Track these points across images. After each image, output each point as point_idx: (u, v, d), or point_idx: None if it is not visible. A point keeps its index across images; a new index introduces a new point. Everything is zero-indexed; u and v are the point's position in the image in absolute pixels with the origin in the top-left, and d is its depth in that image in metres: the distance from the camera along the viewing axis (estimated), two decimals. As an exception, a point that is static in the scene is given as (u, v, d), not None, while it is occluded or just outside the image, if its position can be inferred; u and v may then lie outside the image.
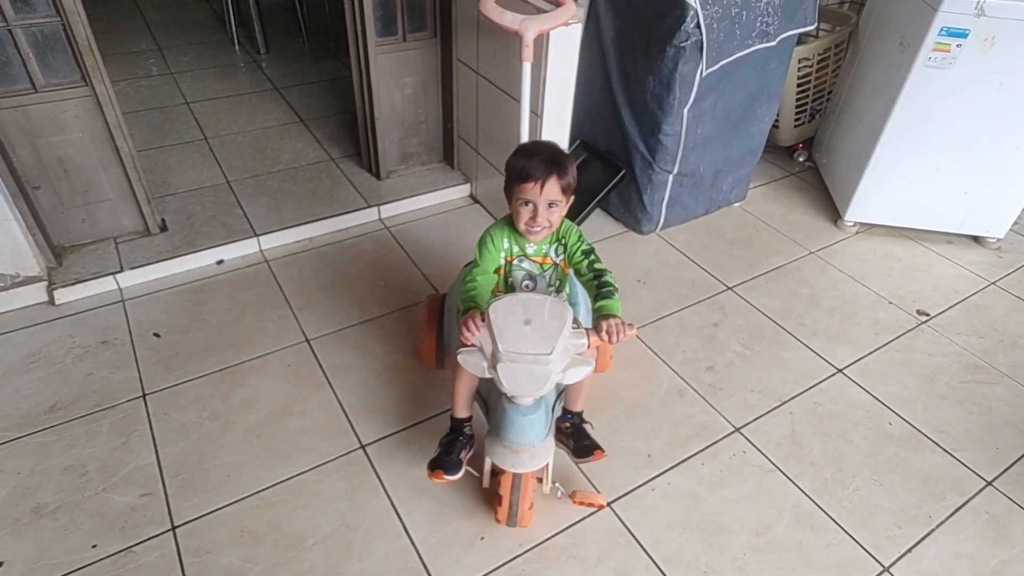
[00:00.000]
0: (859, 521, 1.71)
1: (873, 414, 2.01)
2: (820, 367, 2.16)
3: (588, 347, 1.35)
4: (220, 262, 2.46)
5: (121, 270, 2.30)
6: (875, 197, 2.69)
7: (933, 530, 1.71)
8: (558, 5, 1.90)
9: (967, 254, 2.74)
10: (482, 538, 1.63)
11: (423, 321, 2.00)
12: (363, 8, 2.42)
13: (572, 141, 2.48)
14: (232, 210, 2.64)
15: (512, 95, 2.33)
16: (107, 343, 2.10)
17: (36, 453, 1.77)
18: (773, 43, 2.41)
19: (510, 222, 1.55)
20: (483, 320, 1.34)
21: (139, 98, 3.46)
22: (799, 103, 3.10)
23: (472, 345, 1.35)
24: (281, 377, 2.02)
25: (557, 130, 2.31)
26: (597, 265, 1.51)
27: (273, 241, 2.54)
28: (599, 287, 1.46)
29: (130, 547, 1.57)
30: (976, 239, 2.80)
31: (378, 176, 2.86)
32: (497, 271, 1.58)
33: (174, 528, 1.62)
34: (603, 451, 1.63)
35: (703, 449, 1.87)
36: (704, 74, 2.30)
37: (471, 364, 1.36)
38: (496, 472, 1.58)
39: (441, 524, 1.66)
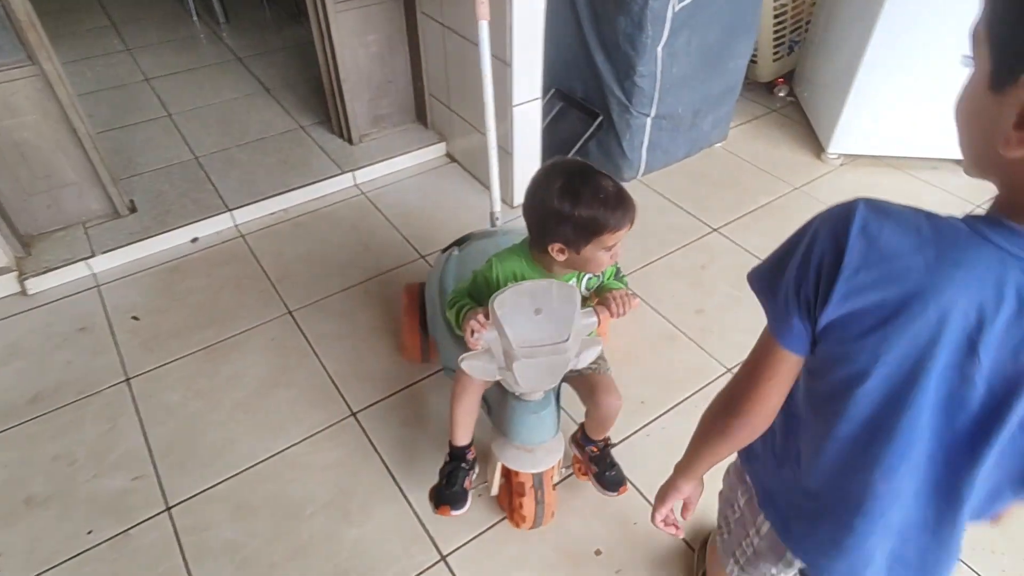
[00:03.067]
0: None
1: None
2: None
3: (599, 325, 1.26)
4: (195, 240, 2.40)
5: (92, 255, 2.23)
6: (857, 127, 2.64)
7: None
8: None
9: (952, 179, 2.70)
10: (480, 495, 1.63)
11: (403, 312, 1.88)
12: (318, -37, 2.32)
13: (546, 90, 2.41)
14: (203, 186, 2.57)
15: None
16: (85, 330, 2.05)
17: (22, 445, 1.74)
18: (746, -28, 2.32)
19: (525, 254, 1.33)
20: (487, 318, 1.19)
21: (96, 77, 3.33)
22: (777, 36, 3.02)
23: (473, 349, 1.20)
24: (266, 351, 1.99)
25: (528, 80, 2.24)
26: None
27: (247, 215, 2.48)
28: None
29: (126, 530, 1.56)
30: (960, 162, 2.76)
31: (350, 141, 2.78)
32: None
33: (169, 508, 1.61)
34: (626, 487, 1.53)
35: (696, 392, 1.87)
36: (676, 8, 2.22)
37: (479, 369, 1.22)
38: (508, 476, 1.46)
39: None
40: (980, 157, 0.62)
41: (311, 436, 1.76)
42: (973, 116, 0.60)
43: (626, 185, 2.60)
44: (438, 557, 1.52)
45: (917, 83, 2.48)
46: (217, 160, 2.71)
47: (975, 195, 2.61)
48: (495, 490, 1.54)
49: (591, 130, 2.57)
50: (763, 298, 0.72)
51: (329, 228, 2.45)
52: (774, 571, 0.96)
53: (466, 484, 1.46)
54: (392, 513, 1.60)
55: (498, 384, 1.37)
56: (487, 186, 2.60)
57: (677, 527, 1.02)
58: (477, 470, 1.50)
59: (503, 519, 1.58)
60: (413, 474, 1.67)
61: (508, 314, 1.16)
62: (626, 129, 2.52)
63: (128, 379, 1.91)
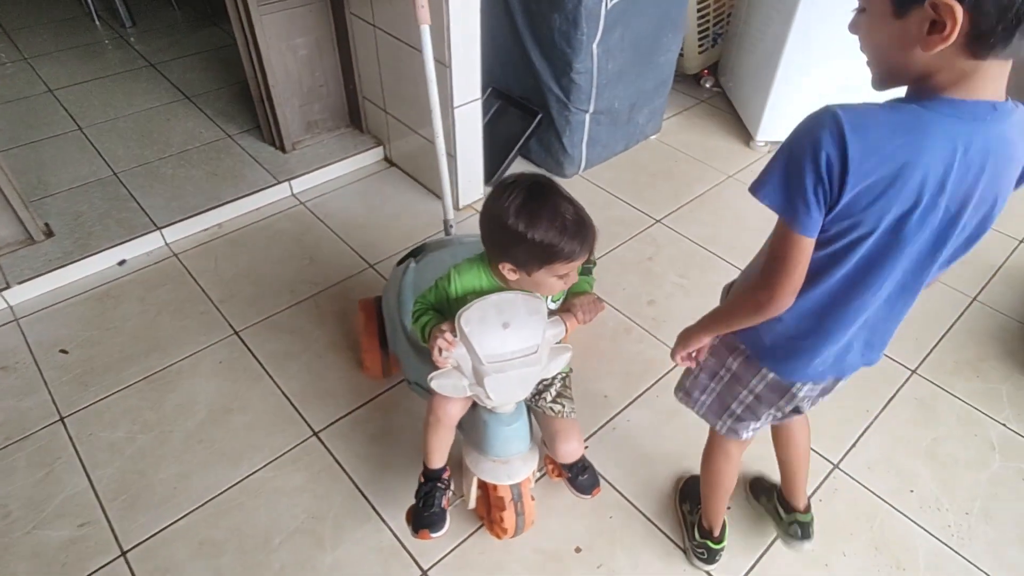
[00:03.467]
0: (806, 425, 1.81)
1: (806, 323, 2.11)
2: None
3: (567, 332, 1.24)
4: (122, 262, 2.25)
5: (7, 286, 2.06)
6: (783, 114, 2.76)
7: (872, 423, 1.83)
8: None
9: (869, 160, 2.87)
10: (455, 504, 1.61)
11: (361, 329, 1.81)
12: (238, -35, 2.21)
13: (482, 90, 2.39)
14: (126, 204, 2.41)
15: (415, 47, 2.20)
16: (7, 369, 1.89)
17: (-54, 501, 1.59)
18: (673, -32, 2.38)
19: (485, 267, 1.25)
20: (454, 334, 1.16)
21: (-9, 91, 3.07)
22: (701, 29, 3.12)
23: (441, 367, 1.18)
24: (215, 375, 1.89)
25: (468, 81, 2.22)
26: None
27: (178, 232, 2.34)
28: None
29: (78, 582, 1.46)
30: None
31: (283, 149, 2.68)
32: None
33: (124, 553, 1.51)
34: (599, 488, 1.53)
35: (656, 382, 1.91)
36: (608, 6, 2.25)
37: (448, 387, 1.20)
38: (486, 488, 1.45)
39: (411, 498, 1.61)
40: (894, 67, 0.82)
41: (273, 461, 1.69)
42: (883, 42, 0.82)
43: (567, 181, 2.66)
44: (419, 572, 1.49)
45: (837, 69, 2.61)
46: (139, 175, 2.55)
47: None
48: (472, 503, 1.52)
49: (532, 128, 2.57)
50: (782, 207, 0.86)
51: (269, 242, 2.36)
52: (773, 410, 1.18)
53: (443, 503, 1.41)
54: (367, 532, 1.56)
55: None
56: (431, 190, 2.59)
57: (695, 362, 1.22)
58: (452, 488, 1.46)
59: (480, 527, 1.57)
60: (385, 490, 1.64)
61: (475, 330, 1.14)
62: (566, 126, 2.54)
63: (62, 418, 1.78)
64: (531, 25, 2.41)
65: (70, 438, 1.73)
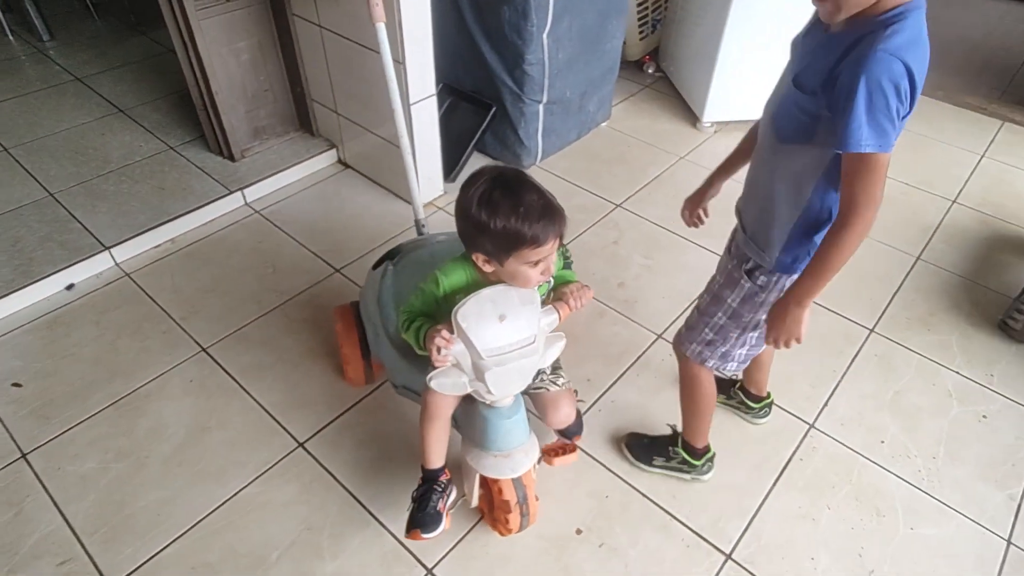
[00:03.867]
0: (781, 391, 1.88)
1: (769, 293, 2.20)
2: (715, 262, 2.31)
3: (560, 321, 1.26)
4: (70, 287, 2.13)
5: (-54, 321, 1.92)
6: (726, 95, 2.85)
7: (840, 382, 1.93)
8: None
9: (808, 135, 3.01)
10: (454, 508, 1.60)
11: (340, 337, 1.75)
12: (173, -32, 2.12)
13: (435, 85, 2.37)
14: (67, 225, 2.28)
15: (366, 45, 2.18)
16: (-44, 408, 1.77)
17: (-96, 555, 1.48)
18: (614, -43, 2.42)
19: (469, 264, 1.25)
20: (451, 332, 1.16)
21: (-101, 115, 2.84)
22: (640, 16, 3.18)
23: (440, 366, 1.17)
24: (186, 395, 1.82)
25: (422, 77, 2.20)
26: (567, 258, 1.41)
27: (129, 251, 2.24)
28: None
29: (64, 623, 1.38)
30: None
31: (231, 158, 2.59)
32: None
33: (111, 587, 1.44)
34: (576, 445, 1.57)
35: (634, 361, 1.95)
36: (557, -4, 2.28)
37: (448, 385, 1.21)
38: (489, 488, 1.44)
39: (408, 499, 1.59)
40: None
41: (260, 476, 1.64)
42: None
43: (526, 172, 2.67)
44: (424, 572, 1.48)
45: (776, 47, 2.71)
46: (78, 194, 2.42)
47: (829, 147, 2.92)
48: (475, 502, 1.50)
49: (487, 121, 2.57)
50: (879, 144, 0.96)
51: (227, 253, 2.28)
52: (745, 335, 1.36)
53: (440, 507, 1.38)
54: (366, 538, 1.54)
55: (465, 397, 1.35)
56: (391, 190, 2.56)
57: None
58: (454, 493, 1.44)
59: (480, 520, 1.57)
60: (380, 494, 1.62)
61: (473, 325, 1.15)
62: (520, 117, 2.56)
63: (24, 455, 1.67)
64: (480, 19, 2.41)
65: (36, 475, 1.63)
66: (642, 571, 1.50)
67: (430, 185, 2.50)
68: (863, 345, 2.04)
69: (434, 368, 1.19)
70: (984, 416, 1.85)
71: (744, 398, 1.77)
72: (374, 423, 1.77)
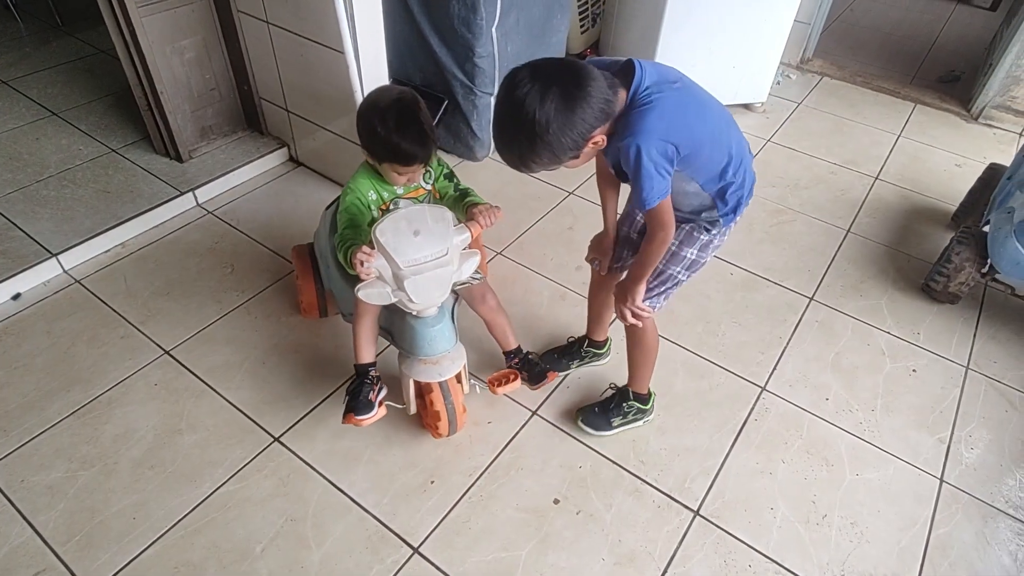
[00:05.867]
0: (733, 358, 2.01)
1: (718, 270, 2.33)
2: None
3: (473, 237, 1.42)
4: (16, 296, 2.06)
5: None
6: (666, 85, 2.97)
7: (785, 348, 2.07)
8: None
9: (742, 120, 3.17)
10: (432, 481, 1.65)
11: (297, 273, 1.91)
12: (110, -35, 2.06)
13: (388, 79, 2.39)
14: (7, 234, 2.19)
15: (316, 40, 2.18)
16: (-98, 427, 1.69)
17: None
18: (556, -48, 2.50)
19: (371, 173, 1.54)
20: (372, 248, 1.33)
21: None
22: (581, 10, 3.28)
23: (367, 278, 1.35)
24: (152, 399, 1.80)
25: (375, 70, 2.22)
26: (461, 186, 1.62)
27: (77, 257, 2.17)
28: (465, 198, 1.57)
29: (44, 633, 1.36)
30: (746, 107, 3.26)
31: (179, 158, 2.54)
32: (372, 222, 1.54)
33: (92, 593, 1.42)
34: (555, 371, 1.80)
35: (597, 339, 2.04)
36: (504, -10, 2.34)
37: (374, 296, 1.36)
38: (421, 393, 1.62)
39: (387, 483, 1.64)
40: None
41: (236, 473, 1.64)
42: None
43: (480, 165, 2.74)
44: (410, 551, 1.52)
45: (709, 41, 2.87)
46: (17, 201, 2.32)
47: (763, 131, 3.10)
48: (413, 409, 1.65)
49: (439, 115, 2.61)
50: (663, 195, 1.22)
51: (183, 255, 2.24)
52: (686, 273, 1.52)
53: (371, 397, 1.55)
54: (350, 523, 1.56)
55: (397, 311, 1.48)
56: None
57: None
58: (385, 390, 1.59)
59: (462, 498, 1.62)
60: (359, 480, 1.64)
61: (391, 240, 1.32)
62: (472, 110, 2.61)
63: (-17, 470, 1.62)
64: (428, 13, 2.45)
65: (-1, 488, 1.59)
66: (618, 533, 1.58)
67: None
68: (804, 313, 2.19)
69: (361, 281, 1.34)
70: (914, 370, 2.02)
71: (593, 350, 1.94)
72: (348, 413, 1.79)
